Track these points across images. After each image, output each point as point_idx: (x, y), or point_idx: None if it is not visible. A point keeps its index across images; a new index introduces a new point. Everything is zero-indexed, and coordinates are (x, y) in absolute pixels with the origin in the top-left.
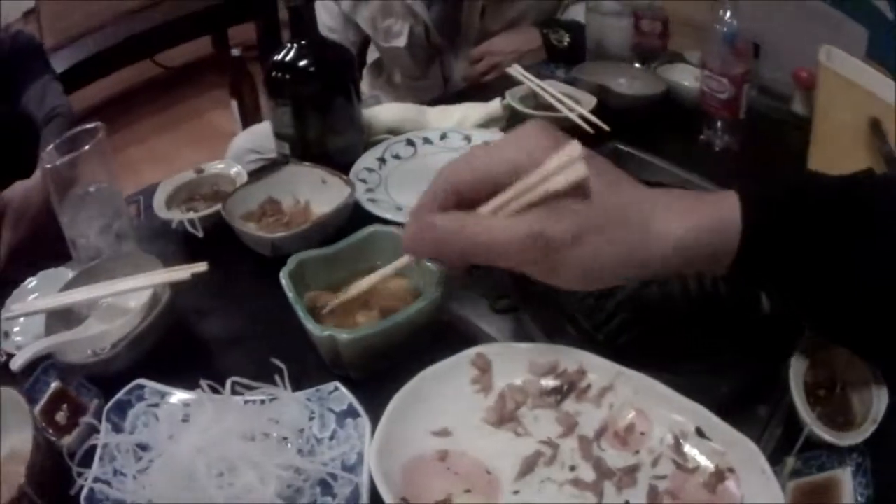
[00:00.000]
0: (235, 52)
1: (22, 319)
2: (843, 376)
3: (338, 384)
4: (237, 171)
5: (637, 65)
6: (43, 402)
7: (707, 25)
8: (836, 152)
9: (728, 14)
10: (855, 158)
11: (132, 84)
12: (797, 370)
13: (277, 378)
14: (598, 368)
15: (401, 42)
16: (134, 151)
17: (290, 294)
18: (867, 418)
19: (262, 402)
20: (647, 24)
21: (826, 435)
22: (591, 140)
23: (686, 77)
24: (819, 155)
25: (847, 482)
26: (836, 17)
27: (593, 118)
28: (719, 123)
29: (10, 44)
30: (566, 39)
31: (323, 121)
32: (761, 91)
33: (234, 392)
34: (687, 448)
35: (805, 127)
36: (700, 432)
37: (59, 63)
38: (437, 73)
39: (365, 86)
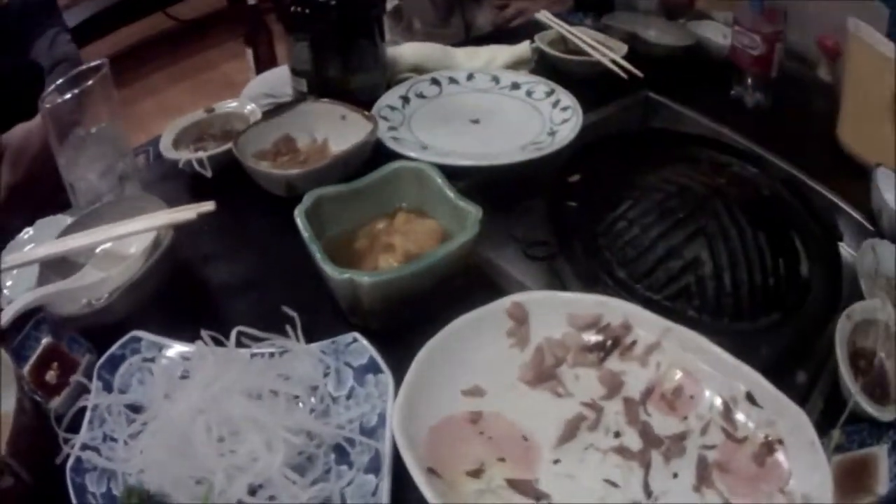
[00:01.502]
0: (251, 0)
1: (15, 272)
2: (881, 349)
3: (357, 335)
4: (251, 108)
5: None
6: (33, 360)
7: None
8: (865, 121)
9: None
10: (883, 129)
11: (144, 37)
12: (842, 336)
13: (289, 329)
14: (644, 323)
15: None
16: (146, 104)
17: (306, 234)
18: None
19: (272, 355)
20: None
21: (869, 407)
22: (622, 87)
23: (715, 33)
24: (848, 122)
25: (884, 460)
26: None
27: (626, 64)
28: (750, 80)
29: (20, 2)
30: None
31: (343, 57)
32: (788, 56)
33: (239, 344)
34: (737, 415)
35: (830, 94)
36: (751, 398)
37: (72, 18)
38: (458, 21)
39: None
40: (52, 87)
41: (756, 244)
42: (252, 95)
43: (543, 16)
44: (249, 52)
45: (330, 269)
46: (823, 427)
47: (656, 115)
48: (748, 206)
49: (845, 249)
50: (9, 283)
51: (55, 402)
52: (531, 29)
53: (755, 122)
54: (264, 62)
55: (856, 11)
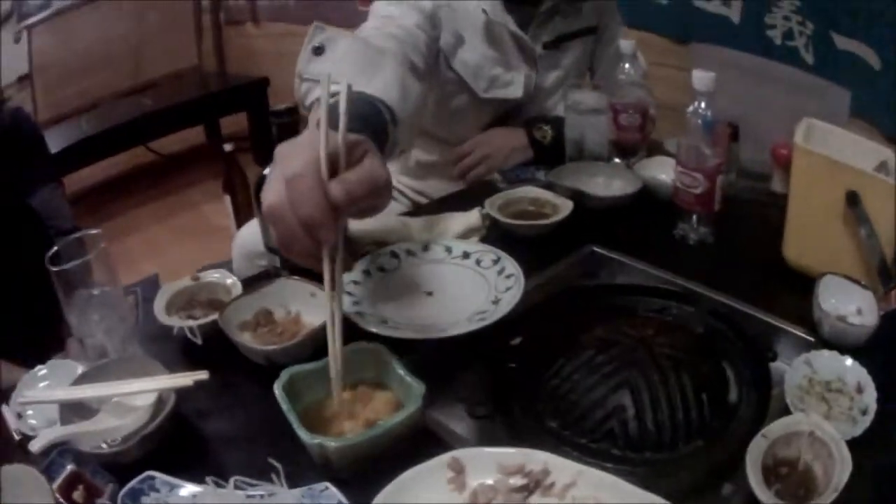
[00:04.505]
0: (228, 147)
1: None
2: (807, 454)
3: (328, 484)
4: (232, 282)
5: (617, 160)
6: (59, 481)
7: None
8: (812, 231)
9: (703, 104)
10: (831, 235)
11: (125, 169)
12: (755, 454)
13: (274, 476)
14: (560, 468)
15: (516, 91)
16: (131, 241)
17: (284, 406)
18: (829, 487)
19: (262, 496)
20: (626, 117)
21: None
22: (569, 245)
23: (665, 170)
24: (795, 236)
25: None
26: (817, 84)
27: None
28: (694, 217)
29: (9, 121)
30: (549, 135)
31: None
32: (740, 174)
33: (236, 487)
34: None
35: (784, 205)
36: None
37: (53, 142)
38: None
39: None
40: (55, 248)
41: (679, 384)
42: (246, 253)
43: (496, 177)
44: (228, 199)
45: (304, 435)
46: None
47: (601, 268)
48: (673, 351)
49: (785, 365)
50: (30, 412)
51: None
52: (485, 191)
53: (697, 259)
54: (242, 207)
55: (816, 102)
